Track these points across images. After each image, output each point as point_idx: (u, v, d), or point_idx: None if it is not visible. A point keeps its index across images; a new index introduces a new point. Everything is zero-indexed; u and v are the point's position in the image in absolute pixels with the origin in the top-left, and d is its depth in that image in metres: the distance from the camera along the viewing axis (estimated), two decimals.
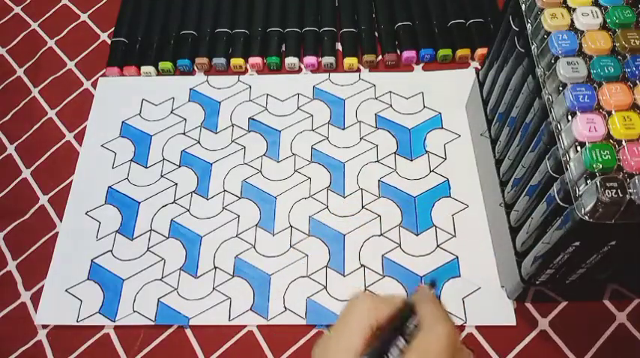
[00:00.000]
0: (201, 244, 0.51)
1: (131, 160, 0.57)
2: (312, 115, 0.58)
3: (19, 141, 0.60)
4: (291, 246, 0.51)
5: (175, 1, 0.65)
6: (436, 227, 0.51)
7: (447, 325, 0.31)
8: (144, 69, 0.61)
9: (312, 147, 0.56)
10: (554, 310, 0.47)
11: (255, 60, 0.61)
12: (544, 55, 0.36)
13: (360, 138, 0.56)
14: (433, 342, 0.31)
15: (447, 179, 0.54)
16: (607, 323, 0.46)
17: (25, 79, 0.64)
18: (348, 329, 0.31)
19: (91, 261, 0.51)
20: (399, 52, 0.61)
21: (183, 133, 0.58)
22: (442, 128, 0.57)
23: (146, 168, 0.56)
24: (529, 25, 0.38)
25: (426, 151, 0.55)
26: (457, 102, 0.57)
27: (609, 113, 0.33)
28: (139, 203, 0.54)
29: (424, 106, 0.58)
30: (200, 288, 0.49)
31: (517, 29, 0.41)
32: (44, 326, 0.49)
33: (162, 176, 0.55)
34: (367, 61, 0.60)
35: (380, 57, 0.61)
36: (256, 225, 0.52)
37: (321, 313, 0.48)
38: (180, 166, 0.56)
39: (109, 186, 0.55)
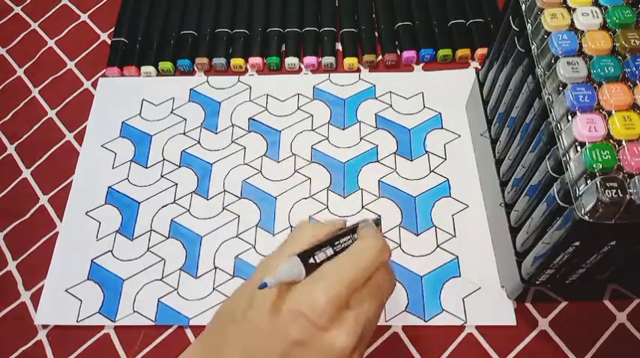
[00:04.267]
0: (202, 244, 0.51)
1: (131, 160, 0.57)
2: (312, 115, 0.58)
3: (19, 141, 0.60)
4: None
5: (175, 1, 0.65)
6: (436, 227, 0.51)
7: (379, 242, 0.34)
8: (144, 69, 0.61)
9: (312, 147, 0.56)
10: (554, 310, 0.47)
11: (256, 60, 0.61)
12: (544, 55, 0.36)
13: (360, 138, 0.56)
14: (362, 252, 0.34)
15: (447, 179, 0.54)
16: (607, 323, 0.46)
17: (25, 79, 0.64)
18: (291, 242, 0.35)
19: (91, 261, 0.51)
20: (399, 52, 0.61)
21: (184, 133, 0.58)
22: (442, 128, 0.57)
23: (146, 168, 0.56)
24: (529, 25, 0.38)
25: (426, 151, 0.55)
26: (457, 102, 0.57)
27: (609, 113, 0.33)
28: (139, 203, 0.54)
29: (424, 106, 0.58)
30: (200, 288, 0.49)
31: (517, 29, 0.41)
32: (44, 326, 0.49)
33: (162, 176, 0.55)
34: (367, 61, 0.60)
35: (380, 57, 0.61)
36: (256, 226, 0.52)
37: None
38: (180, 166, 0.56)
39: (109, 186, 0.55)
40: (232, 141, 0.57)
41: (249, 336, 0.33)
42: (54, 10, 0.69)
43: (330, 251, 0.35)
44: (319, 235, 0.35)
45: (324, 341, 0.32)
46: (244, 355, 0.33)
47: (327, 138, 0.56)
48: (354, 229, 0.36)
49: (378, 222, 0.37)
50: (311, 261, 0.34)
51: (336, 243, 0.35)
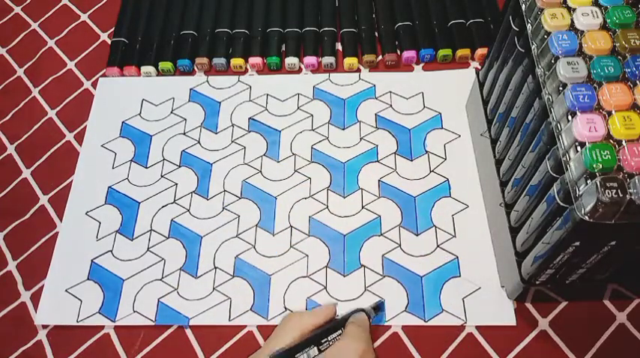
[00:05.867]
0: (202, 244, 0.51)
1: (131, 160, 0.57)
2: (312, 115, 0.58)
3: (19, 141, 0.60)
4: (291, 246, 0.51)
5: (175, 1, 0.65)
6: (436, 227, 0.51)
7: (361, 344, 0.35)
8: (144, 69, 0.61)
9: (312, 147, 0.56)
10: (554, 310, 0.47)
11: (256, 60, 0.61)
12: (544, 55, 0.36)
13: (360, 138, 0.56)
14: (342, 355, 0.35)
15: (447, 179, 0.54)
16: (607, 323, 0.46)
17: (25, 79, 0.64)
18: (274, 339, 0.37)
19: (91, 261, 0.51)
20: (399, 52, 0.61)
21: (184, 133, 0.58)
22: (442, 128, 0.57)
23: (146, 168, 0.56)
24: (529, 25, 0.38)
25: (426, 151, 0.55)
26: (457, 102, 0.57)
27: (609, 113, 0.33)
28: (139, 203, 0.54)
29: (424, 106, 0.58)
30: (200, 288, 0.49)
31: (517, 29, 0.41)
32: (44, 326, 0.49)
33: (162, 176, 0.55)
34: (367, 61, 0.60)
35: (380, 57, 0.61)
36: (256, 225, 0.52)
37: None
38: (180, 166, 0.56)
39: (109, 186, 0.55)
40: (232, 141, 0.57)
41: None
42: (54, 10, 0.69)
43: (314, 351, 0.35)
44: (307, 326, 0.37)
45: None
46: None
47: (327, 138, 0.56)
48: (344, 321, 0.36)
49: (380, 307, 0.38)
50: None
51: (323, 341, 0.36)
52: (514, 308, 0.47)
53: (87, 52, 0.65)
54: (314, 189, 0.54)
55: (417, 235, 0.51)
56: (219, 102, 0.60)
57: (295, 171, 0.55)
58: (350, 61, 0.60)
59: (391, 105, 0.58)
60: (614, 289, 0.46)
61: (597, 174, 0.31)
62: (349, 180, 0.54)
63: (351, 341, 0.36)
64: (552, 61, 0.35)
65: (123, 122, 0.59)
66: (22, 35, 0.67)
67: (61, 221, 0.54)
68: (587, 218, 0.31)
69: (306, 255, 0.50)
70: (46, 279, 0.51)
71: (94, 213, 0.54)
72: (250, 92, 0.60)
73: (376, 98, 0.59)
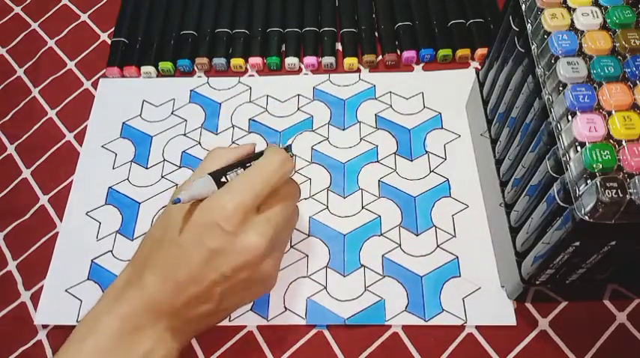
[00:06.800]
0: None
1: (131, 161, 0.57)
2: (312, 116, 0.58)
3: (19, 141, 0.60)
4: (291, 246, 0.51)
5: (175, 1, 0.65)
6: (436, 227, 0.51)
7: (281, 155, 0.39)
8: (144, 69, 0.61)
9: (312, 148, 0.56)
10: (554, 310, 0.47)
11: (256, 60, 0.61)
12: (544, 55, 0.36)
13: (360, 139, 0.56)
14: (265, 164, 0.38)
15: (447, 179, 0.54)
16: (607, 323, 0.46)
17: (25, 79, 0.64)
18: (203, 167, 0.39)
19: (91, 261, 0.51)
20: (399, 52, 0.61)
21: (184, 134, 0.58)
22: (442, 128, 0.57)
23: (146, 168, 0.56)
24: (529, 25, 0.38)
25: (426, 151, 0.55)
26: (457, 102, 0.57)
27: (609, 113, 0.33)
28: (140, 203, 0.54)
29: (424, 106, 0.58)
30: None
31: (517, 29, 0.41)
32: (44, 326, 0.49)
33: (162, 177, 0.55)
34: (367, 61, 0.60)
35: (380, 57, 0.61)
36: None
37: (321, 313, 0.48)
38: (180, 167, 0.56)
39: (110, 187, 0.55)
40: (233, 142, 0.57)
41: (167, 253, 0.37)
42: (54, 10, 0.69)
43: (240, 171, 0.38)
44: (230, 158, 0.39)
45: (238, 244, 0.36)
46: (165, 270, 0.36)
47: (328, 139, 0.57)
48: (262, 152, 0.39)
49: (288, 149, 0.41)
50: (223, 179, 0.37)
51: (247, 164, 0.39)
52: (514, 308, 0.47)
53: (87, 52, 0.65)
54: (314, 189, 0.54)
55: (417, 235, 0.51)
56: (220, 104, 0.60)
57: (295, 171, 0.55)
58: (350, 61, 0.60)
59: (391, 106, 0.58)
60: (614, 289, 0.46)
61: (597, 174, 0.31)
62: (349, 180, 0.54)
63: (271, 154, 0.39)
64: (552, 61, 0.35)
65: (123, 123, 0.59)
66: (22, 35, 0.67)
67: (61, 221, 0.54)
68: (587, 218, 0.31)
69: (306, 255, 0.50)
70: (46, 279, 0.51)
71: (94, 213, 0.54)
72: (250, 93, 0.60)
73: (376, 98, 0.59)
